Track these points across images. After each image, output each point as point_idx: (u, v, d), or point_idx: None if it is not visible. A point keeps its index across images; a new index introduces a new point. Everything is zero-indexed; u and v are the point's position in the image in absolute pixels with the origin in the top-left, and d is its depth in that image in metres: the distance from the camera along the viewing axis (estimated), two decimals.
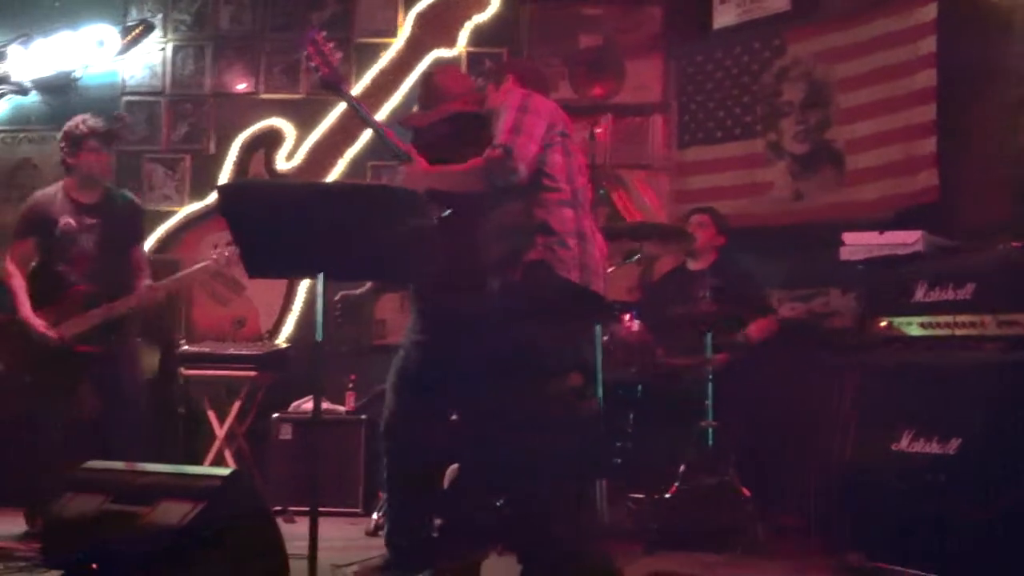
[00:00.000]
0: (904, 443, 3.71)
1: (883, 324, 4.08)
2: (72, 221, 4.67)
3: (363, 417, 5.51)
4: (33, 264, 4.75)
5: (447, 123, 3.71)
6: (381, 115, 6.15)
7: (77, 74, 6.39)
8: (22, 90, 6.46)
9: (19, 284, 4.64)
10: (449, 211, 3.48)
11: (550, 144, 3.38)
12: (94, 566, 2.75)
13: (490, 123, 3.50)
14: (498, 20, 6.20)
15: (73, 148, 4.68)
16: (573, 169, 3.47)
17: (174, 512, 2.69)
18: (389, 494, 3.81)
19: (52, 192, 4.80)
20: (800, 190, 5.52)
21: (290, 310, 6.14)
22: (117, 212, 4.76)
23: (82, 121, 4.71)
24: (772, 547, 4.44)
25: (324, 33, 3.65)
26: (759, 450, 4.79)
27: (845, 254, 4.38)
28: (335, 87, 3.56)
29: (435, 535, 3.89)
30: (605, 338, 4.72)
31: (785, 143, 5.59)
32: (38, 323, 4.54)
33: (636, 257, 4.92)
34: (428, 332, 3.67)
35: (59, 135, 4.76)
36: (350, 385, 5.67)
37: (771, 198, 5.62)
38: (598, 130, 5.24)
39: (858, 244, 4.35)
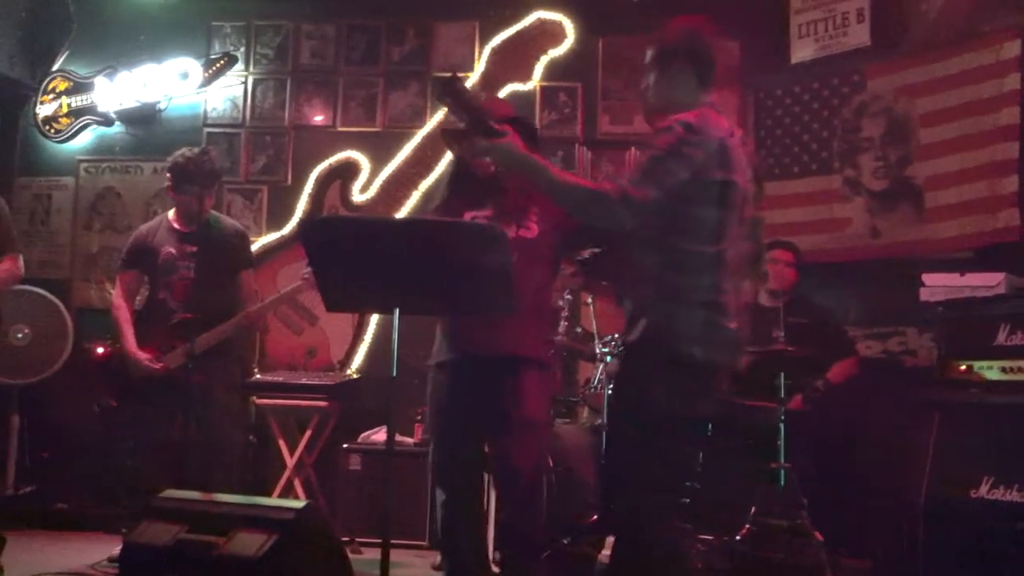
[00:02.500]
0: (983, 489, 3.62)
1: (963, 368, 3.99)
2: (173, 250, 4.76)
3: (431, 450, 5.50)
4: (143, 294, 4.86)
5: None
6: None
7: (161, 105, 6.54)
8: (107, 121, 6.63)
9: (124, 317, 4.73)
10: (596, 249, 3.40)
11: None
12: None
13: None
14: (572, 54, 6.21)
15: (178, 184, 4.76)
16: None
17: (249, 543, 2.71)
18: (446, 541, 3.76)
19: (155, 223, 4.92)
20: (878, 227, 5.43)
21: (361, 341, 6.18)
22: (216, 240, 4.82)
23: (189, 161, 4.74)
24: None
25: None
26: (831, 492, 4.70)
27: (925, 295, 4.30)
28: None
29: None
30: None
31: (864, 179, 5.51)
32: (143, 356, 4.63)
33: None
34: (454, 351, 3.63)
35: (168, 166, 4.81)
36: (418, 417, 5.67)
37: (848, 234, 5.54)
38: None
39: (938, 285, 4.27)
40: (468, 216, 3.60)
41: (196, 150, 4.83)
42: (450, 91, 3.03)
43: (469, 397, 3.56)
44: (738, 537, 4.49)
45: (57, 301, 6.01)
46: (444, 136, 3.47)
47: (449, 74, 3.18)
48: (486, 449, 3.73)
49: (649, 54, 3.27)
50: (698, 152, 2.91)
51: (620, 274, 3.29)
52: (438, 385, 3.65)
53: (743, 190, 3.04)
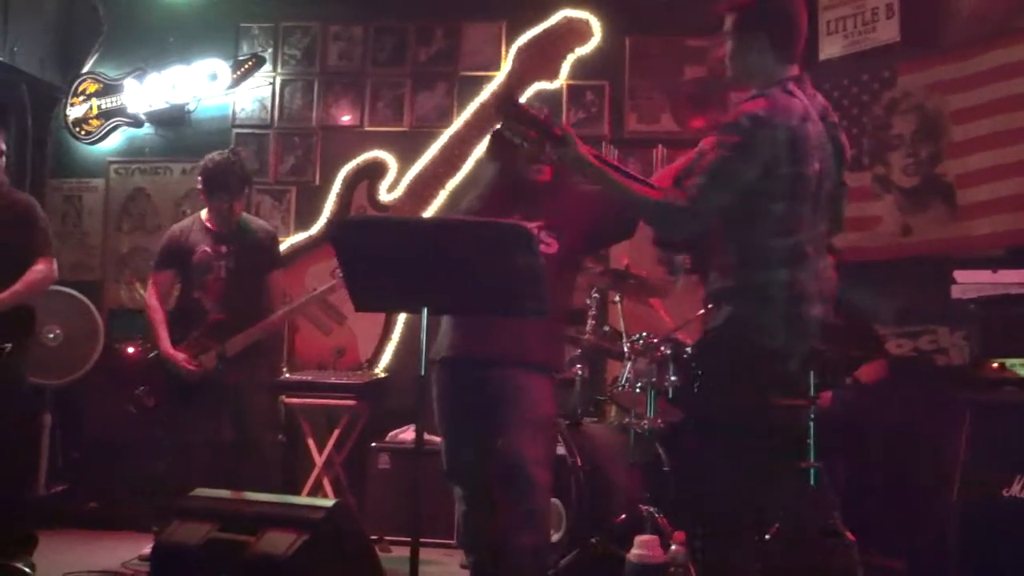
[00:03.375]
0: (1015, 488, 3.59)
1: (995, 365, 3.95)
2: (208, 249, 4.79)
3: None
4: (175, 295, 4.89)
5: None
6: (483, 147, 6.21)
7: (190, 107, 6.58)
8: (136, 122, 6.68)
9: (159, 319, 4.75)
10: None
11: None
12: None
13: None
14: (599, 53, 6.20)
15: (209, 190, 4.78)
16: None
17: (279, 542, 2.72)
18: (464, 538, 3.75)
19: (188, 223, 4.94)
20: (909, 224, 5.38)
21: (389, 340, 6.20)
22: (249, 241, 4.85)
23: (218, 166, 4.74)
24: None
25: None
26: (863, 491, 4.67)
27: (957, 292, 4.26)
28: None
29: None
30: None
31: (894, 176, 5.46)
32: (179, 357, 4.65)
33: None
34: (454, 350, 3.62)
35: (199, 171, 4.82)
36: None
37: (878, 232, 5.49)
38: None
39: (970, 282, 4.23)
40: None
41: (226, 154, 4.83)
42: (511, 106, 3.12)
43: (470, 397, 3.56)
44: (768, 537, 4.46)
45: (88, 302, 6.06)
46: (495, 141, 3.50)
47: (504, 91, 3.23)
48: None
49: (727, 20, 3.16)
50: (766, 148, 2.88)
51: (701, 262, 3.29)
52: (440, 384, 3.66)
53: (817, 176, 3.01)
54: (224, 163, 4.74)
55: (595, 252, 3.67)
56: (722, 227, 3.01)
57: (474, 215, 3.64)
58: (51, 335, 5.81)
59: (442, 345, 3.65)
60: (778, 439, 3.25)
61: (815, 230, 3.09)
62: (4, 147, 4.48)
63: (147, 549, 4.22)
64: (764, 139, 2.88)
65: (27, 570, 4.24)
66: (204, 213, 4.90)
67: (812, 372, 4.52)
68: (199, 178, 4.82)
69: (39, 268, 4.39)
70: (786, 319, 2.97)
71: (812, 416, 4.51)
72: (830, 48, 5.81)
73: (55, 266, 4.51)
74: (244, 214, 4.99)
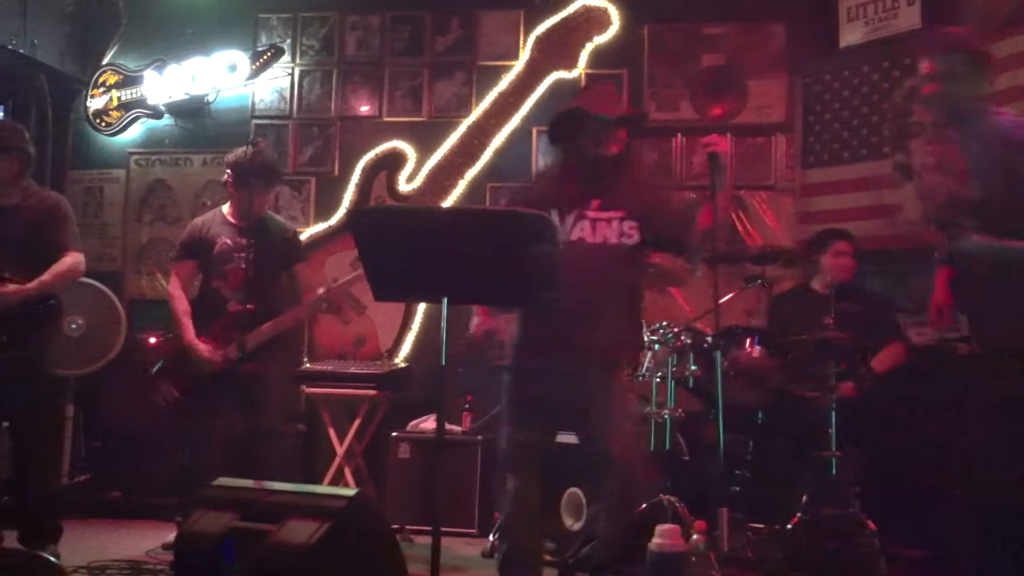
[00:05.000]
0: None
1: None
2: (228, 241, 4.81)
3: (479, 438, 5.53)
4: (197, 285, 4.92)
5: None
6: (501, 136, 6.21)
7: (209, 98, 6.60)
8: (156, 113, 6.71)
9: (183, 308, 4.77)
10: None
11: None
12: None
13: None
14: (618, 41, 6.18)
15: (237, 182, 4.79)
16: None
17: (301, 531, 2.72)
18: (506, 524, 3.78)
19: (210, 216, 4.96)
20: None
21: (409, 330, 6.21)
22: (270, 235, 4.85)
23: (249, 160, 4.74)
24: None
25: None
26: (884, 481, 4.65)
27: None
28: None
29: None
30: (725, 363, 4.65)
31: (915, 164, 5.42)
32: (203, 348, 4.67)
33: (758, 282, 4.83)
34: (535, 345, 3.63)
35: (228, 163, 4.84)
36: (466, 406, 5.69)
37: (899, 220, 5.46)
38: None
39: None
40: (565, 221, 3.60)
41: (251, 149, 4.83)
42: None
43: (548, 390, 3.56)
44: (790, 526, 4.46)
45: (110, 292, 6.09)
46: (557, 123, 3.54)
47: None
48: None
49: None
50: None
51: None
52: (517, 375, 3.66)
53: None
54: (259, 157, 4.75)
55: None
56: None
57: (544, 202, 3.63)
58: (73, 326, 5.84)
59: (522, 336, 3.66)
60: None
61: None
62: (32, 150, 4.51)
63: (171, 537, 4.24)
64: None
65: (53, 559, 4.27)
66: (226, 207, 4.92)
67: (832, 362, 4.55)
68: (227, 171, 4.83)
69: (67, 260, 4.43)
70: None
71: (834, 406, 4.52)
72: (851, 35, 5.78)
73: (83, 260, 4.55)
74: (268, 211, 5.01)
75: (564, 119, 3.71)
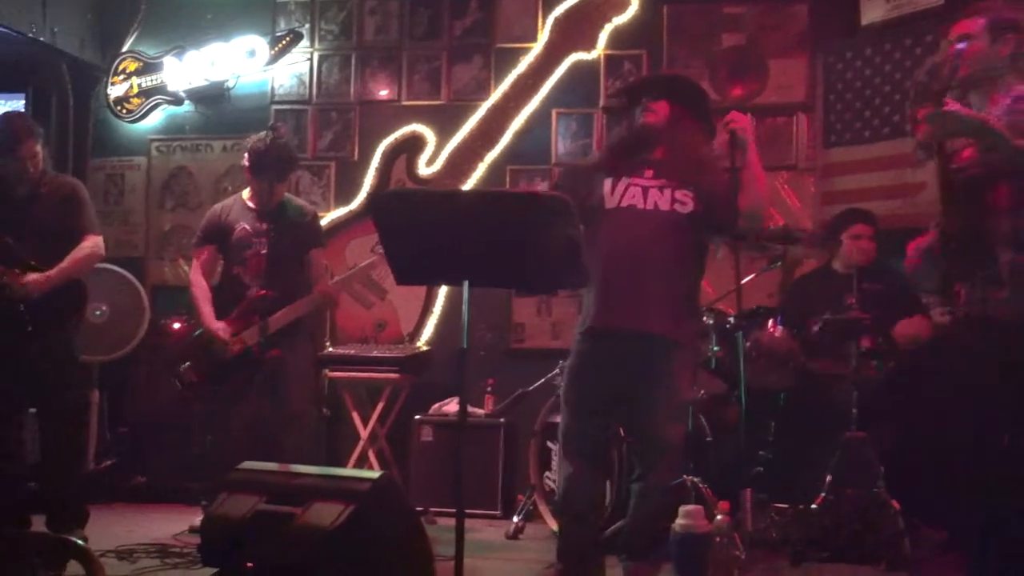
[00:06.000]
0: None
1: None
2: (248, 227, 4.83)
3: (502, 421, 5.54)
4: (219, 270, 4.95)
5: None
6: (520, 119, 6.20)
7: (229, 84, 6.60)
8: (176, 100, 6.72)
9: (204, 295, 4.80)
10: None
11: None
12: (248, 565, 2.83)
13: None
14: (637, 22, 6.13)
15: (254, 170, 4.81)
16: None
17: (326, 513, 2.74)
18: (563, 510, 3.80)
19: (230, 202, 4.99)
20: None
21: (430, 313, 6.22)
22: (290, 219, 4.87)
23: (264, 149, 4.74)
24: (920, 562, 4.29)
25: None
26: (908, 461, 4.63)
27: None
28: None
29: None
30: (747, 344, 4.64)
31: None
32: (222, 333, 4.70)
33: (779, 263, 4.81)
34: (598, 321, 3.63)
35: (246, 151, 4.85)
36: (488, 389, 5.71)
37: (923, 199, 5.41)
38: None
39: None
40: (616, 187, 3.62)
41: (272, 134, 4.84)
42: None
43: (608, 369, 3.57)
44: (813, 507, 4.45)
45: (133, 279, 6.12)
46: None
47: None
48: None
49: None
50: None
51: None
52: (579, 353, 3.67)
53: None
54: (274, 146, 4.76)
55: (718, 231, 3.73)
56: None
57: (596, 169, 3.69)
58: (97, 312, 5.88)
59: (589, 316, 3.65)
60: None
61: None
62: (41, 144, 4.50)
63: (197, 520, 4.28)
64: None
65: (81, 543, 4.32)
66: (246, 192, 4.93)
67: (855, 342, 4.53)
68: (245, 156, 4.85)
69: (86, 245, 4.47)
70: None
71: (857, 386, 4.51)
72: (872, 13, 5.73)
73: (101, 242, 4.57)
74: (286, 194, 5.03)
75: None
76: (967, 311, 3.34)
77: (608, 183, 3.63)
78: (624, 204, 3.60)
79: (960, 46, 3.31)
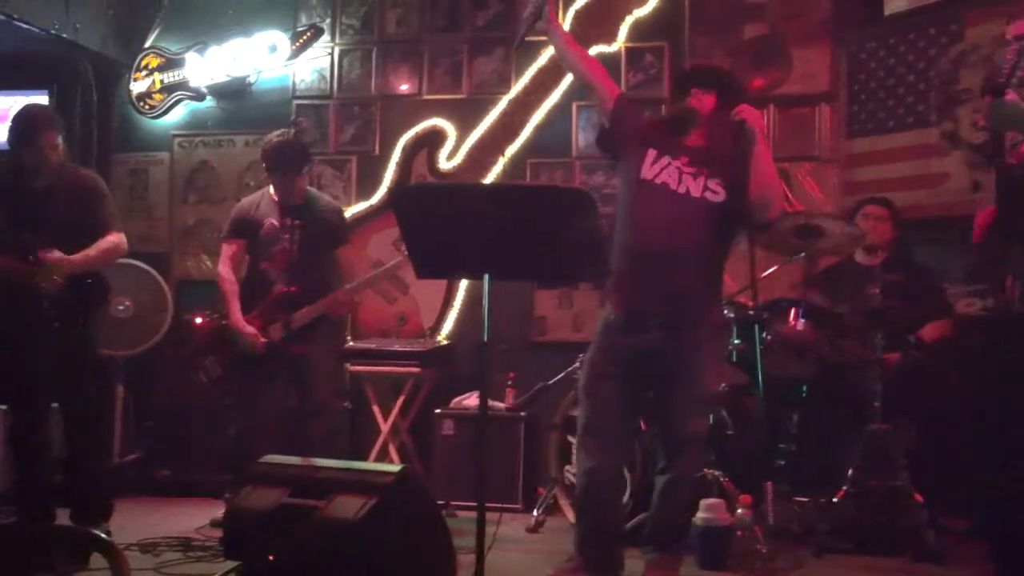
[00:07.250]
0: None
1: None
2: (275, 222, 4.85)
3: (523, 414, 5.54)
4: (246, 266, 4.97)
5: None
6: (541, 112, 6.18)
7: (250, 79, 6.62)
8: (198, 96, 6.74)
9: (231, 289, 4.83)
10: None
11: None
12: (271, 557, 2.85)
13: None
14: (658, 13, 6.10)
15: (267, 167, 4.85)
16: None
17: (349, 506, 2.76)
18: (583, 503, 3.81)
19: (257, 196, 5.02)
20: (979, 181, 5.26)
21: (451, 307, 6.22)
22: (316, 215, 4.89)
23: (274, 146, 4.80)
24: (944, 553, 4.27)
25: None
26: (931, 453, 4.60)
27: None
28: None
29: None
30: (769, 336, 4.62)
31: (963, 132, 5.33)
32: (248, 330, 4.73)
33: (802, 254, 4.78)
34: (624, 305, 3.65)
35: (261, 151, 4.89)
36: (509, 382, 5.70)
37: (947, 189, 5.38)
38: None
39: None
40: (658, 161, 3.66)
41: (285, 133, 4.85)
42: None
43: (632, 362, 3.59)
44: (836, 499, 4.43)
45: (157, 274, 6.16)
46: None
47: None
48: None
49: None
50: None
51: None
52: (601, 348, 3.69)
53: None
54: (281, 143, 4.79)
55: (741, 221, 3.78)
56: None
57: (641, 131, 3.78)
58: (121, 307, 5.92)
59: (620, 295, 3.67)
60: None
61: None
62: (61, 135, 4.49)
63: (220, 514, 4.30)
64: None
65: (105, 536, 4.35)
66: (272, 187, 4.96)
67: (879, 333, 4.51)
68: (263, 153, 4.88)
69: (110, 238, 4.44)
70: None
71: (880, 378, 4.48)
72: (896, 1, 5.68)
73: (124, 239, 4.58)
74: (311, 189, 5.05)
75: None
76: (1017, 307, 3.34)
77: (652, 153, 3.68)
78: (659, 181, 3.65)
79: (1020, 45, 3.31)
